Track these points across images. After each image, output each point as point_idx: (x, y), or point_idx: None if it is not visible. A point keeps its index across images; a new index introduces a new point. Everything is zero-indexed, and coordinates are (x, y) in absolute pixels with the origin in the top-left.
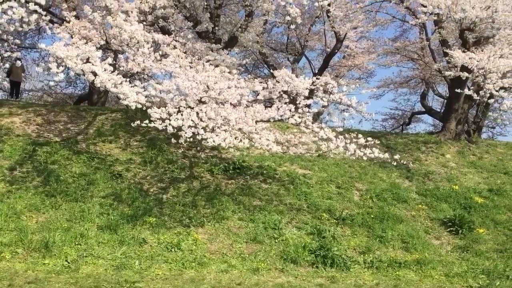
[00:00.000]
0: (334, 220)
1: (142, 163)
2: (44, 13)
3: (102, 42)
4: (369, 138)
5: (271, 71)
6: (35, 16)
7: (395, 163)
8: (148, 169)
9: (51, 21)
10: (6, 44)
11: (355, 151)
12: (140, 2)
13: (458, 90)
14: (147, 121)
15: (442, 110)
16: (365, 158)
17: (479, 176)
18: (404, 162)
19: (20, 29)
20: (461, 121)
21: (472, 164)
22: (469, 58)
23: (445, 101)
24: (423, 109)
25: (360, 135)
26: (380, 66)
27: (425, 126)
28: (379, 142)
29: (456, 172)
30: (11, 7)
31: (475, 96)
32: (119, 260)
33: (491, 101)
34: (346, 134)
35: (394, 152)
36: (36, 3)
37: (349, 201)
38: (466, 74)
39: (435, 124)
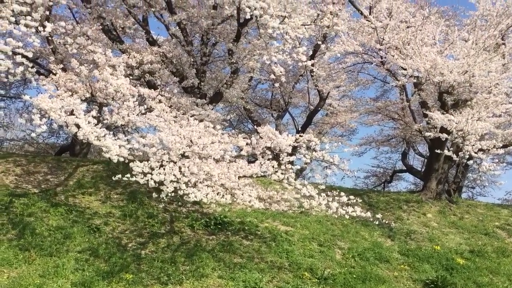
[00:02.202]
0: (316, 280)
1: (122, 216)
2: (31, 64)
3: (88, 95)
4: (352, 196)
5: (255, 126)
6: (21, 68)
7: (377, 222)
8: (127, 223)
9: (37, 72)
10: None
11: (337, 209)
12: (128, 57)
13: (438, 151)
14: (128, 175)
15: (422, 169)
16: (347, 216)
17: (460, 236)
18: (386, 221)
19: (5, 80)
20: (441, 180)
21: (453, 224)
22: (448, 120)
23: (426, 160)
24: (404, 168)
25: (342, 193)
26: (362, 124)
27: (406, 184)
28: (361, 200)
29: (437, 232)
30: None
31: (454, 157)
32: None
33: (470, 162)
34: (328, 192)
35: (376, 210)
36: (23, 56)
37: (331, 260)
38: (445, 135)
39: (416, 182)
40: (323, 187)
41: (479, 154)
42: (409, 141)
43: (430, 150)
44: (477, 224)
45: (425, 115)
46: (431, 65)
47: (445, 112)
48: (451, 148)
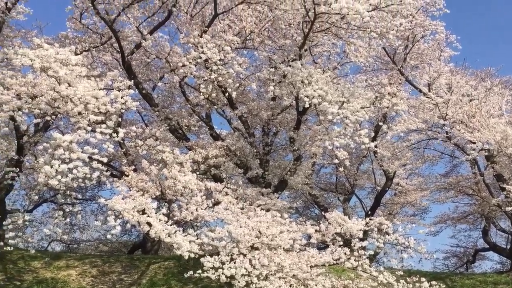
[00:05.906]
0: None
1: None
2: (105, 168)
3: (158, 193)
4: (433, 282)
5: (322, 212)
6: (97, 173)
7: None
8: None
9: (111, 175)
10: (68, 199)
11: None
12: (194, 153)
13: None
14: (199, 271)
15: (508, 247)
16: None
17: None
18: None
19: (82, 184)
20: None
21: None
22: None
23: (510, 236)
24: (487, 246)
25: (423, 278)
26: (434, 202)
27: (492, 263)
28: (444, 285)
29: None
30: (77, 166)
31: None
32: None
33: None
34: (407, 277)
35: None
36: (99, 161)
37: None
38: None
39: (502, 261)
40: (401, 272)
41: None
42: (488, 217)
43: None
44: None
45: (503, 189)
46: (502, 136)
47: None
48: None
